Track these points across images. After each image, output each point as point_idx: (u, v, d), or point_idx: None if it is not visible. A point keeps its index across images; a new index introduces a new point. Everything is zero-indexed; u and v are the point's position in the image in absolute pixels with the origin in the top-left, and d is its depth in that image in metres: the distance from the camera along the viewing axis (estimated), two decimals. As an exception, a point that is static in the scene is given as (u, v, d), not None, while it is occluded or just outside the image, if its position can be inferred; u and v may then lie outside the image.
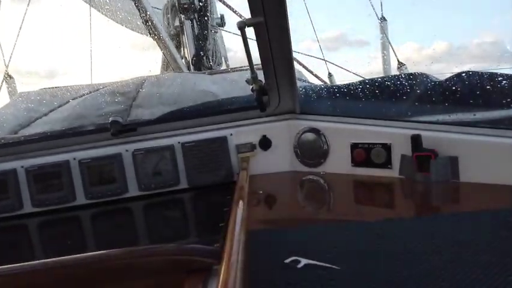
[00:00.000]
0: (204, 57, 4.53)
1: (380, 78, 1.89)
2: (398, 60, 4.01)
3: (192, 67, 4.47)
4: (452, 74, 1.74)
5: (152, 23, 3.79)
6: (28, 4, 4.98)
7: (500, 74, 1.58)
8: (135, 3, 3.65)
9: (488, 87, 1.56)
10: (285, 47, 1.56)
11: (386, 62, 4.29)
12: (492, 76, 1.59)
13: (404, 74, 1.93)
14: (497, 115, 1.47)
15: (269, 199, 1.65)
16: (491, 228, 0.98)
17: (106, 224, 1.69)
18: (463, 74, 1.68)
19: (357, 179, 1.64)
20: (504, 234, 0.93)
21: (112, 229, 1.58)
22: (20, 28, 5.00)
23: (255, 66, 1.64)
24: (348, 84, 1.90)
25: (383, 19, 4.49)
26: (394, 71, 4.26)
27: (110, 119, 1.78)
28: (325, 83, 3.42)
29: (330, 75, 6.04)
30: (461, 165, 1.39)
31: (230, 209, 1.11)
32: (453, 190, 1.39)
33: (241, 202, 1.18)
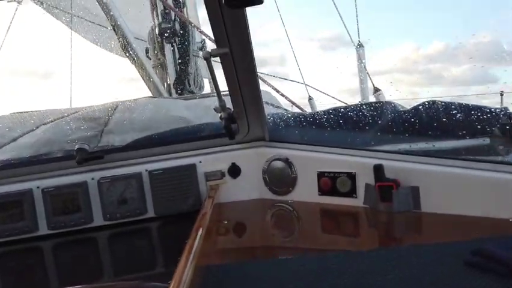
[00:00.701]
0: (186, 81, 4.57)
1: (345, 107, 1.93)
2: (374, 86, 4.11)
3: (173, 91, 4.50)
4: (416, 104, 1.79)
5: (130, 47, 3.81)
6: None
7: (458, 104, 1.63)
8: (114, 29, 3.66)
9: (447, 118, 1.60)
10: (251, 76, 1.58)
11: (363, 88, 4.39)
12: (450, 106, 1.64)
13: (369, 103, 1.98)
14: (455, 145, 1.51)
15: (236, 228, 1.64)
16: (450, 264, 0.98)
17: (67, 256, 1.64)
18: (426, 105, 1.73)
19: (323, 207, 1.64)
20: (462, 271, 0.93)
21: (74, 261, 1.54)
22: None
23: (223, 93, 1.65)
24: (315, 113, 1.94)
25: (359, 46, 4.61)
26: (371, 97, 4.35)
27: (76, 146, 1.76)
28: (299, 107, 3.47)
29: (310, 98, 6.13)
30: (422, 195, 1.41)
31: (185, 243, 1.09)
32: (413, 221, 1.40)
33: (199, 233, 1.17)
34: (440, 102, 1.71)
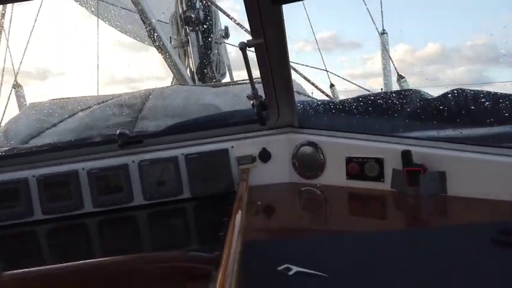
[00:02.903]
0: (208, 68, 4.66)
1: (374, 94, 1.98)
2: (398, 74, 4.10)
3: (196, 78, 4.59)
4: (443, 92, 1.83)
5: (156, 34, 3.91)
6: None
7: (487, 92, 1.66)
8: (140, 15, 3.77)
9: (475, 105, 1.64)
10: (283, 66, 1.66)
11: (386, 75, 4.39)
12: (479, 95, 1.67)
13: (398, 91, 2.02)
14: (482, 132, 1.55)
15: (267, 209, 1.73)
16: (477, 243, 1.04)
17: (112, 232, 1.78)
18: (454, 93, 1.77)
19: (351, 191, 1.71)
20: (488, 249, 1.00)
21: (118, 237, 1.67)
22: (30, 35, 5.15)
23: (255, 81, 1.73)
24: (344, 101, 1.99)
25: (383, 32, 4.59)
26: (394, 83, 4.35)
27: (118, 131, 1.88)
28: (325, 94, 3.51)
29: (332, 85, 6.15)
30: (448, 179, 1.47)
31: (229, 219, 1.19)
32: (440, 204, 1.47)
33: (239, 212, 1.27)
34: (468, 91, 1.74)
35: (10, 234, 1.79)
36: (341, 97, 5.27)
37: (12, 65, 4.87)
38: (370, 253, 1.05)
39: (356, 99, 1.98)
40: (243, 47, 1.54)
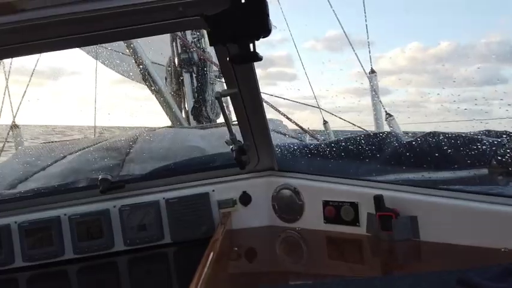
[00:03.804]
0: (203, 108, 4.76)
1: (349, 138, 2.02)
2: (386, 112, 4.18)
3: (191, 118, 4.68)
4: (420, 135, 1.87)
5: (150, 77, 4.04)
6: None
7: (460, 136, 1.71)
8: (135, 60, 3.91)
9: (448, 149, 1.68)
10: (259, 114, 1.71)
11: (377, 114, 4.47)
12: (453, 137, 1.72)
13: (375, 133, 2.07)
14: (456, 176, 1.58)
15: (247, 253, 1.75)
16: None
17: (91, 280, 1.78)
18: (430, 135, 1.82)
19: (329, 235, 1.72)
20: None
21: (98, 284, 1.68)
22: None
23: (233, 125, 1.78)
24: (321, 144, 2.04)
25: (372, 72, 4.71)
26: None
27: (100, 176, 1.91)
28: (308, 133, 3.59)
29: (325, 122, 6.23)
30: (420, 224, 1.48)
31: (194, 269, 1.20)
32: (412, 249, 1.47)
33: (209, 259, 1.29)
34: (441, 134, 1.79)
35: None
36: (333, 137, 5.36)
37: (11, 108, 4.96)
38: None
39: (335, 142, 2.02)
40: (217, 96, 1.61)
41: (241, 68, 1.50)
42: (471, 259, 1.29)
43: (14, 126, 4.88)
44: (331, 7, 4.80)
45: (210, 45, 1.09)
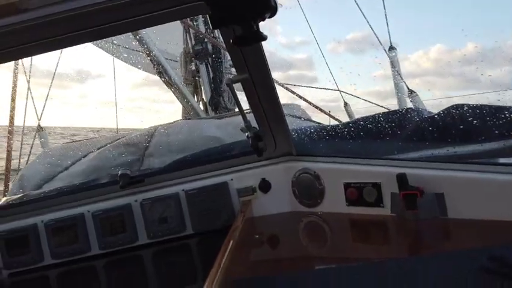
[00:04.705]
0: (220, 98, 4.75)
1: (370, 116, 1.95)
2: (408, 89, 4.04)
3: (209, 108, 4.68)
4: (443, 109, 1.78)
5: (166, 72, 4.04)
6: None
7: (486, 106, 1.61)
8: (148, 57, 3.91)
9: (473, 122, 1.59)
10: (271, 96, 1.67)
11: (398, 91, 4.33)
12: (477, 109, 1.62)
13: (395, 111, 1.98)
14: (480, 149, 1.50)
15: (269, 240, 1.72)
16: (467, 271, 0.99)
17: (118, 274, 1.81)
18: (453, 109, 1.72)
19: (352, 218, 1.68)
20: (478, 276, 0.95)
21: (125, 278, 1.71)
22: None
23: (246, 113, 1.74)
24: (339, 125, 1.97)
25: (391, 49, 4.55)
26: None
27: (119, 172, 1.93)
28: (329, 115, 3.51)
29: (345, 104, 6.11)
30: (448, 201, 1.41)
31: (215, 258, 1.18)
32: (439, 228, 1.41)
33: (228, 248, 1.27)
34: (466, 106, 1.69)
35: (21, 280, 1.84)
36: (357, 116, 5.23)
37: (36, 111, 5.09)
38: (369, 284, 1.02)
39: (353, 122, 1.96)
40: (228, 83, 1.58)
41: (250, 51, 1.46)
42: (503, 235, 1.22)
43: (40, 129, 5.02)
44: (360, 10, 4.64)
45: (212, 28, 1.05)
